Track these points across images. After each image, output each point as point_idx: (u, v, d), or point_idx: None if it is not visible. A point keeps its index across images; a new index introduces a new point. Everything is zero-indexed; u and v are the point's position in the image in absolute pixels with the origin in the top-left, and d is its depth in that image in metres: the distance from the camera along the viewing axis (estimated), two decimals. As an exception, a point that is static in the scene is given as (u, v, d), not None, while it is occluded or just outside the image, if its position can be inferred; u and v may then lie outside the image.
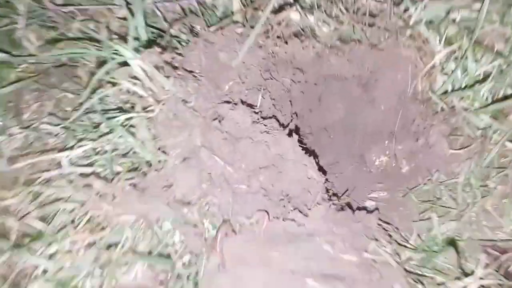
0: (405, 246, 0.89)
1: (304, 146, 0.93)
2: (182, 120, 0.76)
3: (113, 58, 0.75)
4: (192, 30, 0.90)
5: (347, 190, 1.02)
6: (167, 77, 0.76)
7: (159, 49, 0.77)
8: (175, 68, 0.80)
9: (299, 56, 0.93)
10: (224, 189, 0.79)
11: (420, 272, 0.82)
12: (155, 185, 0.76)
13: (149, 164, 0.78)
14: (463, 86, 0.89)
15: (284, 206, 0.83)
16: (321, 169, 1.14)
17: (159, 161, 0.76)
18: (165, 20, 0.88)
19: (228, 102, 0.82)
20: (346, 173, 1.13)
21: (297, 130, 1.07)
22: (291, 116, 1.09)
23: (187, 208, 0.77)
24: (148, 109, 0.78)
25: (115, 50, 0.73)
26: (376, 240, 0.87)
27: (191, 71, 0.82)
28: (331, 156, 1.17)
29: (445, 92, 0.92)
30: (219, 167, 0.79)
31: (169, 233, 0.76)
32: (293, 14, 0.87)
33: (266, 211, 0.77)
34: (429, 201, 0.94)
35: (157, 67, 0.76)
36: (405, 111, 0.98)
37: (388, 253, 0.84)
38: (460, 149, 0.92)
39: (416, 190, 0.97)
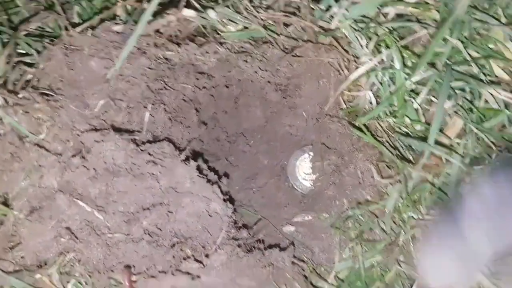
0: (321, 289, 0.77)
1: (208, 172, 0.76)
2: (26, 160, 0.57)
3: None
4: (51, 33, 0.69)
5: (260, 219, 0.88)
6: (5, 103, 0.56)
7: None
8: (24, 88, 0.60)
9: (199, 62, 0.75)
10: (91, 241, 0.62)
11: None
12: (-6, 247, 0.57)
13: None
14: (392, 104, 0.75)
15: (174, 255, 0.68)
16: (237, 187, 1.00)
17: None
18: (9, 20, 0.66)
19: (96, 129, 0.63)
20: (266, 187, 0.99)
21: (194, 154, 0.89)
22: (198, 126, 0.91)
23: (41, 272, 0.59)
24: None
25: None
26: (287, 287, 0.74)
27: (48, 89, 0.63)
28: (250, 167, 1.02)
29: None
30: (84, 214, 0.62)
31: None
32: (186, 12, 0.67)
33: (129, 266, 0.62)
34: (355, 231, 0.81)
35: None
36: (326, 126, 0.83)
37: (301, 303, 0.72)
38: (389, 177, 0.79)
39: (341, 216, 0.84)
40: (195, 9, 0.70)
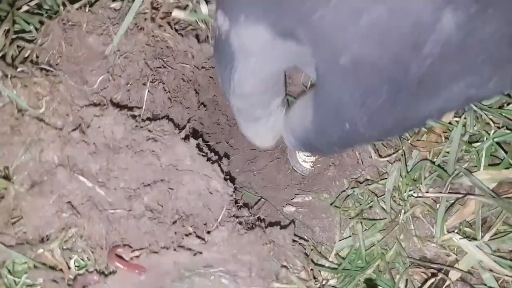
0: (323, 266, 0.77)
1: (207, 151, 0.76)
2: (26, 133, 0.57)
3: None
4: (49, 10, 0.69)
5: (260, 199, 0.88)
6: (4, 76, 0.56)
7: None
8: (22, 62, 0.60)
9: (197, 47, 0.75)
10: (93, 217, 0.62)
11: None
12: (-5, 221, 0.57)
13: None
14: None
15: (176, 231, 0.67)
16: (238, 169, 1.00)
17: (-2, 190, 0.57)
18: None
19: (95, 104, 0.63)
20: (266, 169, 0.99)
21: (194, 133, 0.89)
22: (198, 108, 0.91)
23: (43, 246, 0.59)
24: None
25: None
26: (288, 264, 0.74)
27: (46, 64, 0.62)
28: (250, 150, 1.02)
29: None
30: (85, 189, 0.61)
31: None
32: (176, 13, 0.67)
33: (114, 247, 0.61)
34: (355, 211, 0.82)
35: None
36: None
37: (302, 279, 0.72)
38: (388, 156, 0.79)
39: (341, 195, 0.84)
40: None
